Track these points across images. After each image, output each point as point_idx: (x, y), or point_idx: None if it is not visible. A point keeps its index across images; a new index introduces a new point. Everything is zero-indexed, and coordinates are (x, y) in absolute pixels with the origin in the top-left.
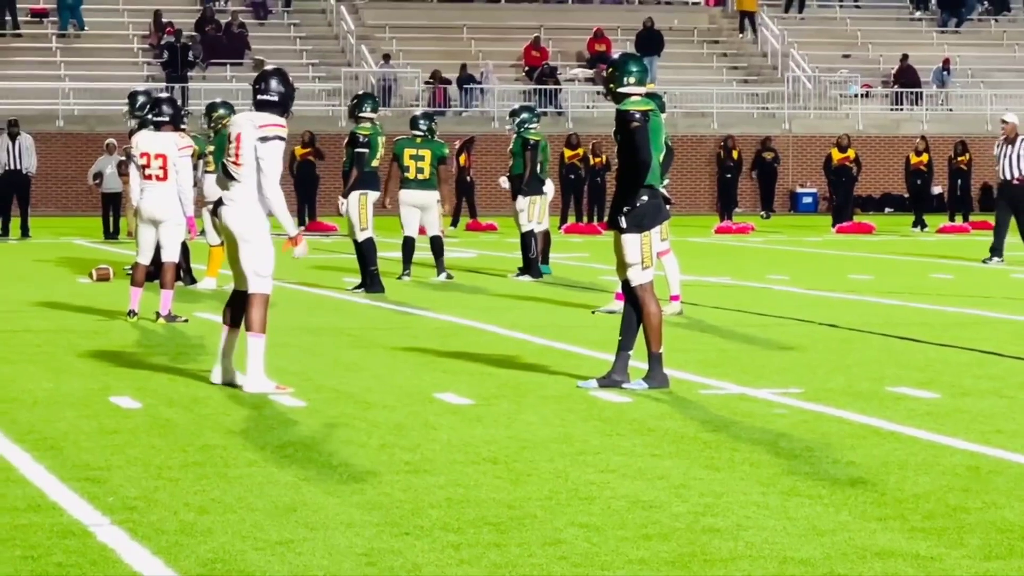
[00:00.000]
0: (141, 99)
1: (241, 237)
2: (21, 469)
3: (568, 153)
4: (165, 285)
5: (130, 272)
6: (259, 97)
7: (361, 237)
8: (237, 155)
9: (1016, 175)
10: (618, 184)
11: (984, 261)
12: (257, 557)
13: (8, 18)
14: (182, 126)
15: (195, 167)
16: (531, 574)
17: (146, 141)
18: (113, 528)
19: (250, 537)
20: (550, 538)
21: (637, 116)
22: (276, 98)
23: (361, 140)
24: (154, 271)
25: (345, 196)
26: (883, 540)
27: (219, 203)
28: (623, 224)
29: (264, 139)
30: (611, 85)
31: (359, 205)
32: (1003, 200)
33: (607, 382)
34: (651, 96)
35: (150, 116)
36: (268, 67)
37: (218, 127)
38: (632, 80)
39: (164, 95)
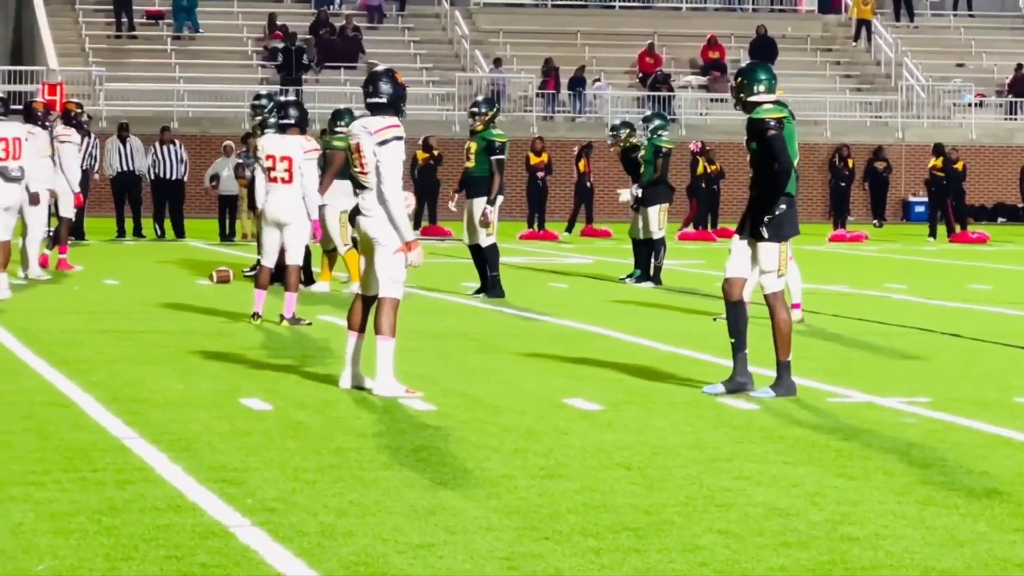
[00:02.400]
0: (264, 102)
1: (377, 242)
2: (158, 469)
3: (533, 159)
4: (289, 288)
5: (250, 274)
6: (369, 100)
7: (487, 242)
8: (361, 164)
9: None
10: (756, 193)
11: None
12: (399, 560)
13: (124, 19)
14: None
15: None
16: None
17: (272, 144)
18: (254, 529)
19: (391, 540)
20: (689, 544)
21: (772, 123)
22: (385, 99)
23: (498, 146)
24: (277, 274)
25: (492, 203)
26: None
27: (356, 212)
28: (765, 234)
29: (382, 143)
30: (741, 94)
31: (495, 212)
32: None
33: (733, 386)
34: (779, 103)
35: (276, 119)
36: (378, 67)
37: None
38: (762, 88)
39: (291, 98)
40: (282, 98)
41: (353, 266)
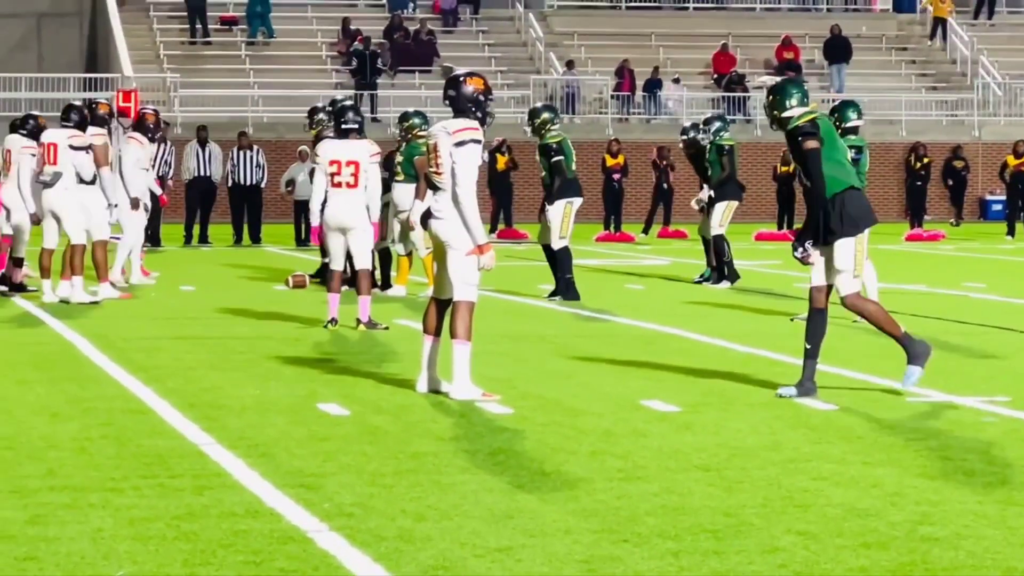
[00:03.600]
0: (322, 116)
1: (449, 245)
2: (236, 475)
3: (609, 161)
4: (361, 292)
5: (317, 279)
6: (448, 103)
7: (558, 245)
8: (437, 165)
9: None
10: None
11: None
12: (477, 564)
13: (198, 26)
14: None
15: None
16: None
17: (335, 149)
18: (332, 534)
19: (469, 544)
20: (768, 546)
21: (806, 127)
22: (463, 103)
23: (554, 148)
24: (350, 278)
25: (551, 204)
26: None
27: (428, 214)
28: (797, 253)
29: (459, 144)
30: (774, 112)
31: (563, 214)
32: None
33: (803, 390)
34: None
35: (340, 124)
36: (457, 72)
37: (408, 136)
38: (794, 102)
39: (348, 102)
40: (343, 103)
41: (404, 269)
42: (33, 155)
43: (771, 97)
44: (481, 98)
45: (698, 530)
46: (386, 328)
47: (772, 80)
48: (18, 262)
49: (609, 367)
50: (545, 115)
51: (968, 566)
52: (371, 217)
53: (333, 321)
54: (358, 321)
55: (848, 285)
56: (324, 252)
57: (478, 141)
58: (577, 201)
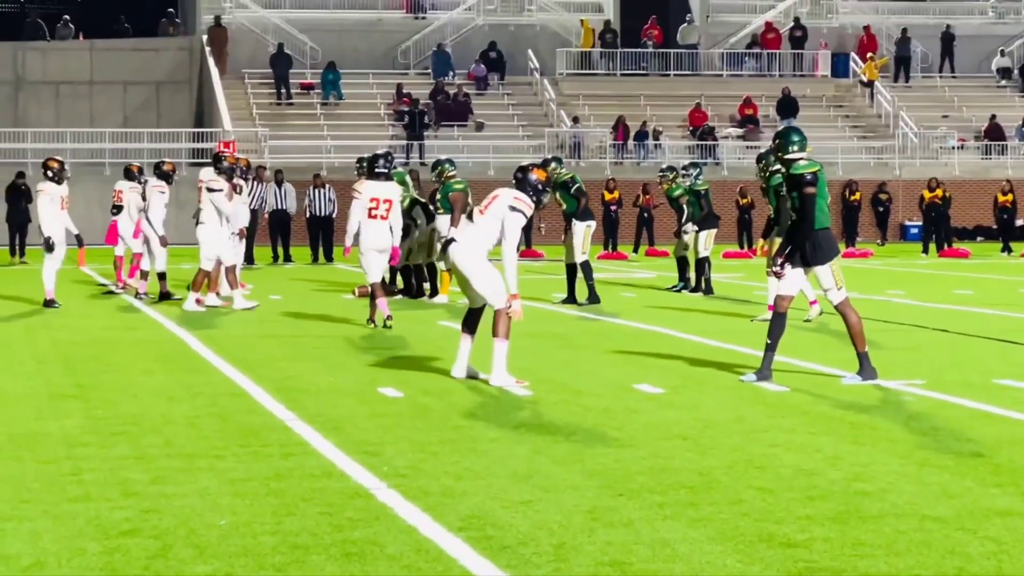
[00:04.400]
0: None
1: (468, 272)
2: (314, 444)
3: (607, 196)
4: (376, 296)
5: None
6: (515, 184)
7: (580, 259)
8: (486, 207)
9: None
10: (796, 230)
11: None
12: (504, 514)
13: (283, 90)
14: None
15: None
16: (722, 527)
17: (374, 189)
18: (390, 491)
19: (498, 498)
20: (734, 498)
21: (808, 178)
22: (530, 190)
23: (572, 184)
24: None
25: (579, 221)
26: (1002, 503)
27: (449, 241)
28: (779, 268)
29: (514, 209)
30: (779, 152)
31: (584, 235)
32: None
33: (761, 376)
34: (811, 160)
35: (377, 168)
36: (525, 163)
37: (442, 179)
38: (796, 148)
39: (383, 151)
40: (376, 152)
41: (446, 281)
42: (162, 192)
43: (777, 141)
44: (540, 186)
45: (678, 486)
46: (376, 326)
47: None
48: (161, 276)
49: (607, 357)
50: (553, 164)
51: (892, 514)
52: (394, 242)
53: (388, 318)
54: (382, 318)
55: (836, 296)
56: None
57: (526, 215)
58: (594, 224)
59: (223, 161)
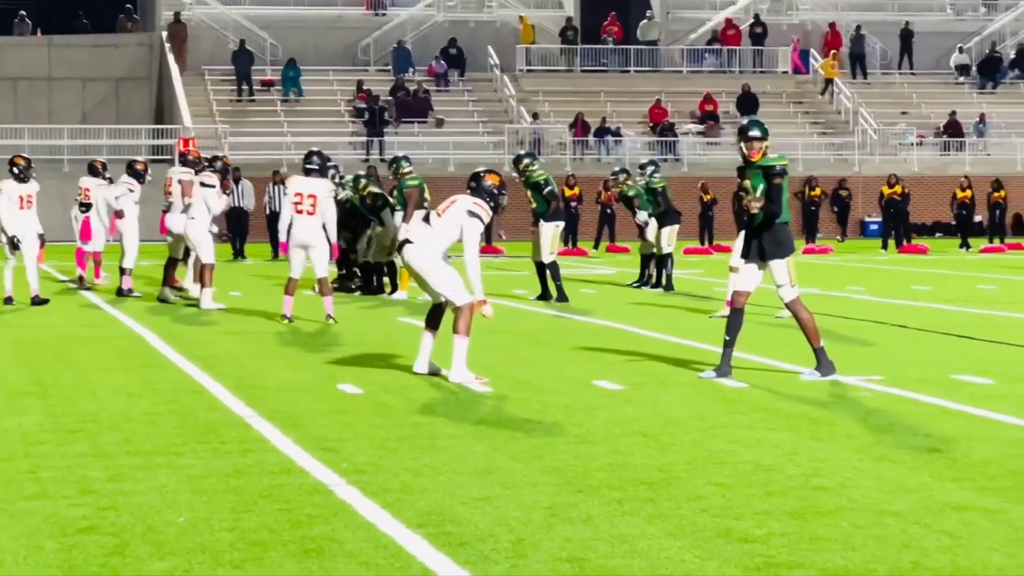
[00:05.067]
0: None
1: (424, 272)
2: (273, 441)
3: (568, 192)
4: (324, 294)
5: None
6: (470, 192)
7: (548, 259)
8: (444, 211)
9: None
10: (759, 224)
11: None
12: (464, 510)
13: (244, 87)
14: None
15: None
16: (680, 523)
17: (300, 184)
18: (349, 487)
19: (457, 494)
20: (692, 494)
21: (779, 169)
22: (486, 196)
23: (545, 187)
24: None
25: (546, 221)
26: (958, 497)
27: (405, 242)
28: (775, 255)
29: (472, 214)
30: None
31: (553, 235)
32: None
33: (721, 372)
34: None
35: (307, 165)
36: (479, 169)
37: (398, 175)
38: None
39: (314, 150)
40: (310, 150)
41: (405, 277)
42: (132, 190)
43: (744, 131)
44: (495, 191)
45: (637, 482)
46: (336, 321)
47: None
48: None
49: (568, 354)
50: (526, 160)
51: (848, 509)
52: (329, 238)
53: (285, 318)
54: (328, 316)
55: (788, 293)
56: (339, 264)
57: (483, 221)
58: (562, 224)
59: (218, 161)
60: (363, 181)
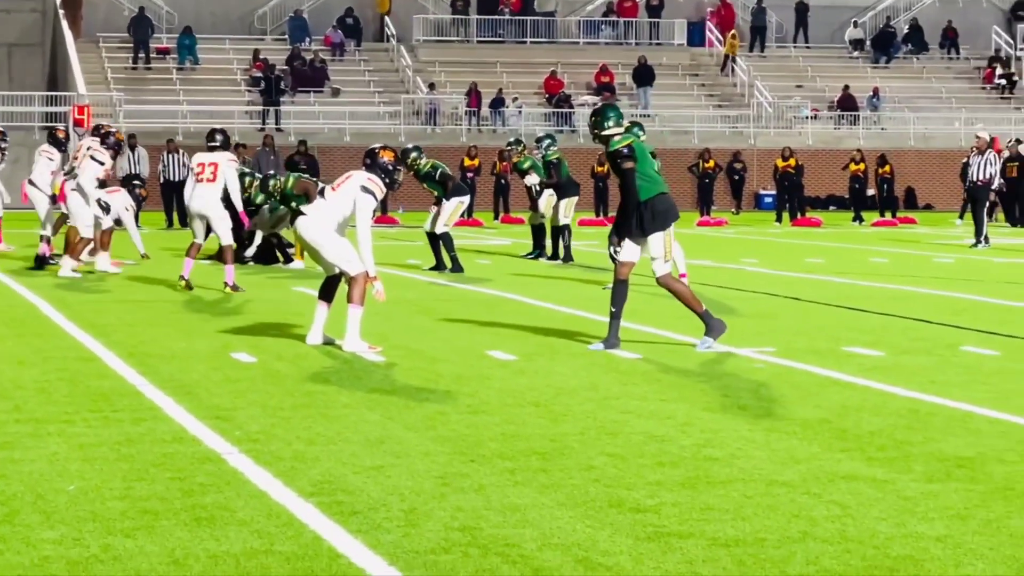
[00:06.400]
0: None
1: (317, 244)
2: (166, 409)
3: (467, 162)
4: (226, 262)
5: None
6: (365, 168)
7: (441, 230)
8: (338, 185)
9: (981, 178)
10: (623, 203)
11: (972, 247)
12: (356, 479)
13: (141, 55)
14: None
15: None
16: (572, 493)
17: (201, 156)
18: (241, 456)
19: (349, 463)
20: (585, 464)
21: (625, 151)
22: (381, 172)
23: (435, 172)
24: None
25: (448, 199)
26: (847, 467)
27: (298, 214)
28: (614, 252)
29: (366, 190)
30: (596, 130)
31: (454, 210)
32: (971, 198)
33: (608, 344)
34: (632, 124)
35: (210, 143)
36: (374, 145)
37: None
38: (611, 123)
39: (216, 127)
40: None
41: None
42: (51, 159)
43: (593, 118)
44: (390, 167)
45: (530, 452)
46: (244, 291)
47: (592, 99)
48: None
49: (461, 324)
50: (413, 154)
51: (740, 479)
52: (236, 207)
53: (182, 279)
54: (225, 284)
55: (661, 268)
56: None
57: (377, 197)
58: (466, 200)
59: (111, 137)
60: (272, 182)
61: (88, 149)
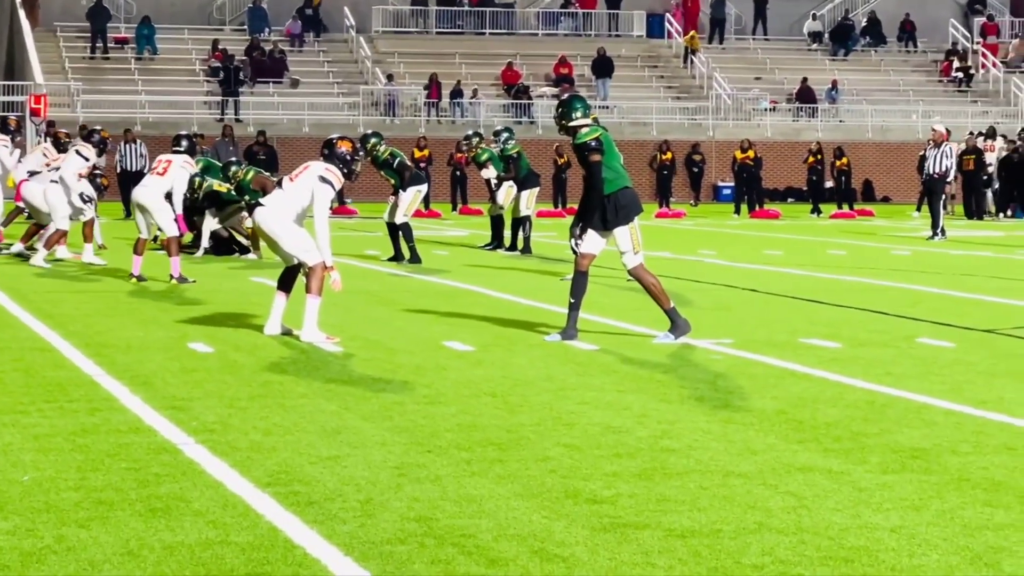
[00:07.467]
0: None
1: (274, 234)
2: (122, 400)
3: (417, 153)
4: (171, 254)
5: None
6: (323, 159)
7: (400, 220)
8: (296, 176)
9: (937, 171)
10: (587, 196)
11: (929, 239)
12: (312, 469)
13: (99, 44)
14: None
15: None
16: (528, 483)
17: (163, 155)
18: (197, 446)
19: (305, 454)
20: (541, 455)
21: (593, 144)
22: (339, 163)
23: (393, 160)
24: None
25: (404, 189)
26: (803, 458)
27: (256, 205)
28: (576, 245)
29: (324, 180)
30: (563, 121)
31: (412, 199)
32: (928, 190)
33: (566, 335)
34: (595, 124)
35: (172, 145)
36: (332, 136)
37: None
38: (579, 114)
39: (183, 133)
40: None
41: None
42: (5, 147)
43: (560, 110)
44: (348, 157)
45: (486, 443)
46: (194, 282)
47: (551, 91)
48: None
49: (419, 315)
50: (373, 140)
51: (696, 471)
52: (174, 209)
53: (132, 276)
54: (171, 276)
55: (631, 260)
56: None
57: (334, 188)
58: (424, 189)
59: (95, 135)
60: (233, 168)
61: (73, 145)
